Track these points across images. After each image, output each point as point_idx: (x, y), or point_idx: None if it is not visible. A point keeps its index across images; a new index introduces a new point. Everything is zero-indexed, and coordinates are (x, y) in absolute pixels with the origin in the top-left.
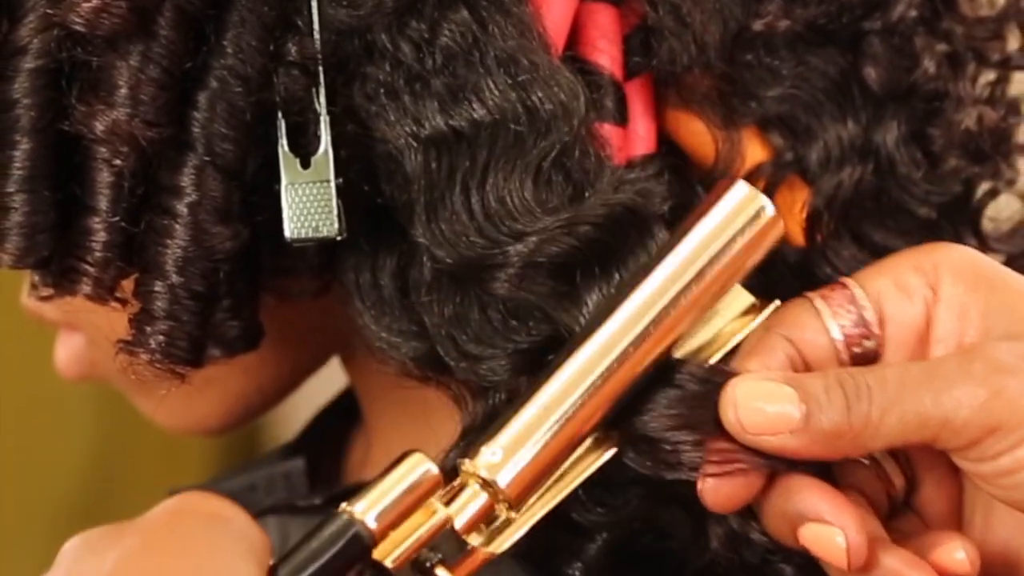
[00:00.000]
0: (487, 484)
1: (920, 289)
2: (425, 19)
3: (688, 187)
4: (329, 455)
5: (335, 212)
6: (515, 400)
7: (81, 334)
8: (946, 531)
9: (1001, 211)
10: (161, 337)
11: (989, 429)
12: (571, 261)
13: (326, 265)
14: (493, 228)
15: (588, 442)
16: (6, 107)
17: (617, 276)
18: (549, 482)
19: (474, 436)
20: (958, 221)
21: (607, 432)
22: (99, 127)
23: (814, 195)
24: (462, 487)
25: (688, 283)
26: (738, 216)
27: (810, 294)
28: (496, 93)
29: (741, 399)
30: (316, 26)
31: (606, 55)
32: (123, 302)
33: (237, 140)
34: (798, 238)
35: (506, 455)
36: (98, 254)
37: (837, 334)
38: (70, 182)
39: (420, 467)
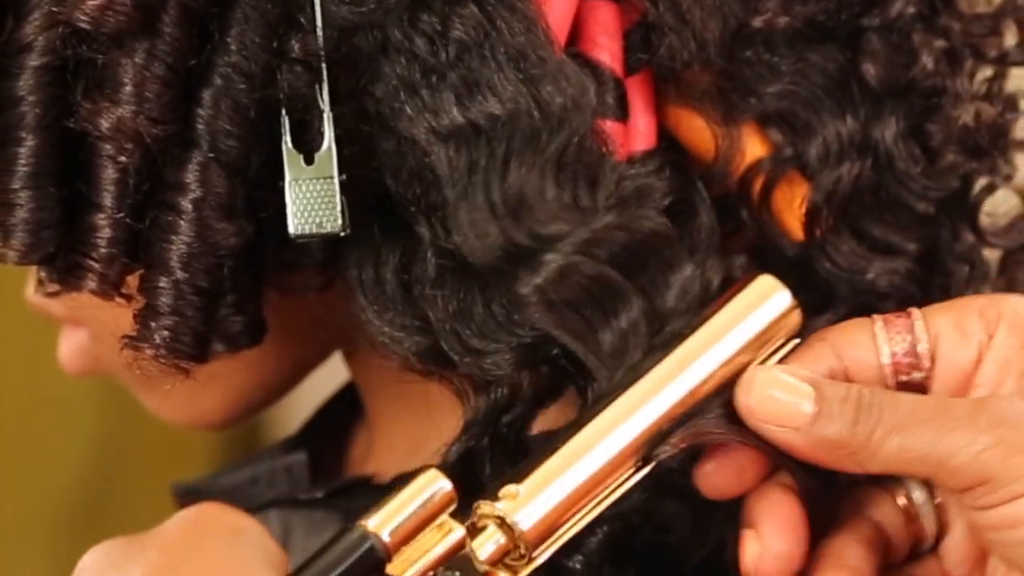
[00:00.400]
0: (506, 526)
1: (977, 334)
2: (436, 13)
3: (688, 183)
4: (331, 449)
5: (338, 208)
6: (540, 449)
7: (85, 329)
8: None
9: (998, 206)
10: (166, 333)
11: (981, 479)
12: (588, 294)
13: (329, 261)
14: (514, 225)
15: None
16: (11, 104)
17: (636, 304)
18: (569, 526)
19: (497, 478)
20: (956, 216)
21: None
22: (104, 124)
23: (813, 190)
24: (482, 528)
25: (711, 359)
26: (761, 303)
27: (874, 316)
28: (509, 88)
29: (758, 384)
30: (319, 23)
31: (607, 51)
32: (128, 298)
33: (241, 137)
34: (797, 233)
35: (527, 498)
36: (103, 250)
37: (887, 359)
38: (75, 179)
39: (434, 483)
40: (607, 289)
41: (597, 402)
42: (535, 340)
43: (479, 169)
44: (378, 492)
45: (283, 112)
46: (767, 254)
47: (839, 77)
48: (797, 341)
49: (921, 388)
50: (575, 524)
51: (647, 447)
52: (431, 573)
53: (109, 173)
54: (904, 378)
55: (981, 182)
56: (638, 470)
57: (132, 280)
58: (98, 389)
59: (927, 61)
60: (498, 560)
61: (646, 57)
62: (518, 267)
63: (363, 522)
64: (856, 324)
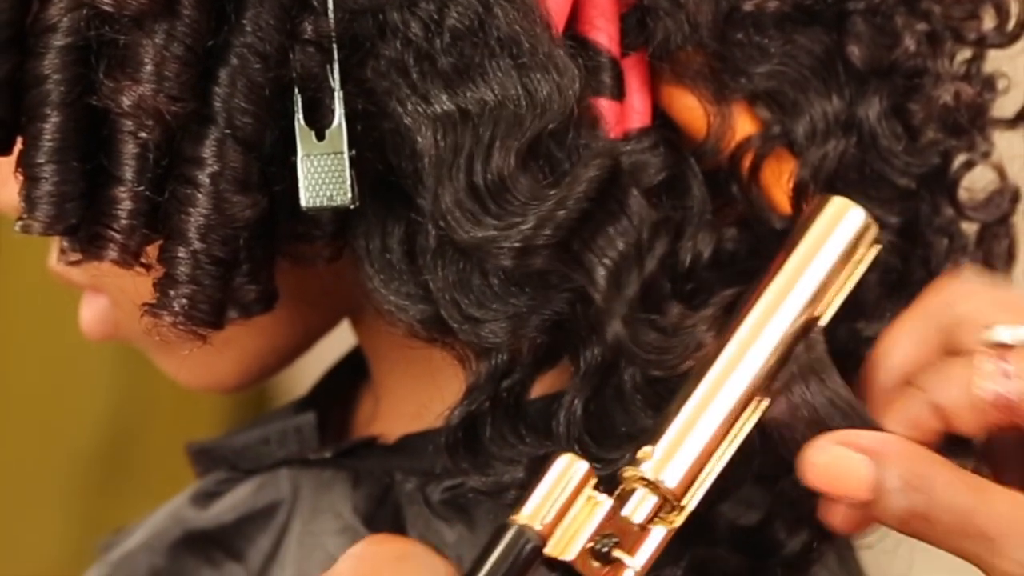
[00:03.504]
0: (652, 485)
1: None
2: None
3: (681, 159)
4: (338, 410)
5: (348, 182)
6: (667, 409)
7: (106, 296)
8: None
9: (976, 182)
10: (184, 300)
11: None
12: (567, 234)
13: (339, 232)
14: (495, 206)
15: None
16: (37, 82)
17: (609, 234)
18: (708, 472)
19: (637, 441)
20: (936, 191)
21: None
22: (126, 101)
23: (801, 166)
24: (631, 491)
25: (804, 290)
26: (837, 223)
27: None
28: (499, 74)
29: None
30: (330, 5)
31: (604, 33)
32: (147, 267)
33: (256, 114)
34: (785, 207)
35: (666, 456)
36: (124, 221)
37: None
38: (98, 153)
39: (573, 466)
40: (580, 224)
41: (710, 350)
42: (531, 310)
43: (463, 152)
44: (383, 452)
45: (296, 90)
46: (756, 227)
47: (825, 58)
48: (880, 247)
49: None
50: (714, 466)
51: (764, 383)
52: (590, 544)
53: (130, 148)
54: None
55: (960, 158)
56: (759, 405)
57: (151, 250)
58: (116, 350)
59: (909, 43)
60: (653, 517)
61: (642, 39)
62: (502, 235)
63: (515, 517)
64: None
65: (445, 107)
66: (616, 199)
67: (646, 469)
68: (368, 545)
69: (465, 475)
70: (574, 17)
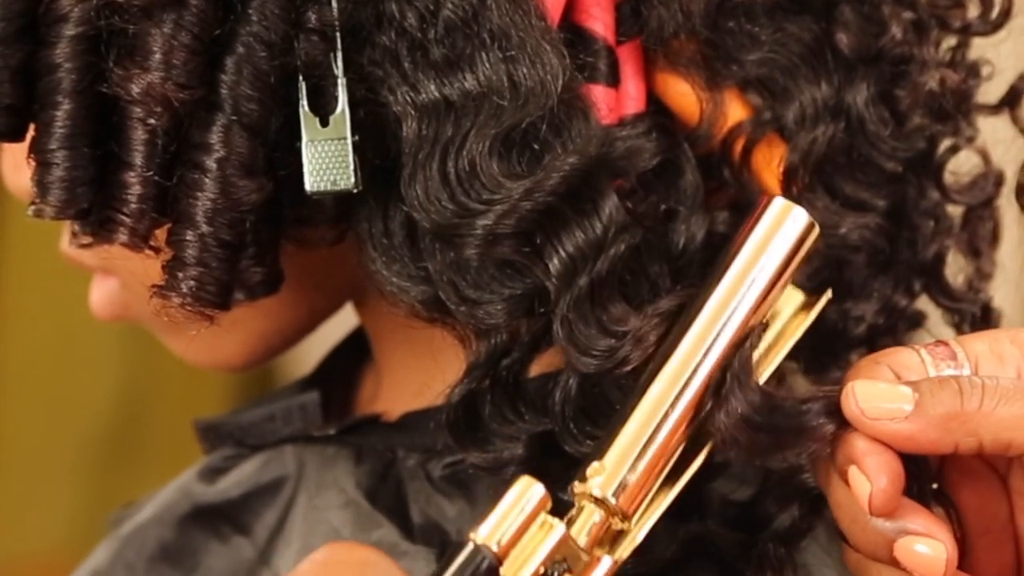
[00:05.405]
0: (600, 502)
1: (1014, 359)
2: None
3: (675, 144)
4: (342, 389)
5: (351, 167)
6: (614, 421)
7: (116, 278)
8: None
9: (961, 166)
10: (192, 282)
11: None
12: (530, 226)
13: (342, 215)
14: (464, 195)
15: (684, 444)
16: (49, 71)
17: (574, 232)
18: (656, 486)
19: (583, 459)
20: (922, 175)
21: (703, 430)
22: (135, 89)
23: (791, 151)
24: (580, 509)
25: (748, 295)
26: (780, 227)
27: (916, 346)
28: (487, 66)
29: (860, 394)
30: None
31: (600, 22)
32: (156, 250)
33: (262, 101)
34: (776, 190)
35: (613, 473)
36: (134, 206)
37: None
38: (108, 140)
39: (530, 489)
40: (547, 218)
41: (655, 359)
42: (526, 291)
43: (442, 141)
44: (385, 429)
45: (300, 78)
46: (747, 210)
47: (815, 46)
48: (830, 294)
49: None
50: (661, 482)
51: (709, 392)
52: (542, 568)
53: (139, 134)
54: None
55: (946, 143)
56: (702, 415)
57: (160, 233)
58: (125, 330)
59: (896, 31)
60: (599, 538)
61: (636, 27)
62: (466, 223)
63: (472, 535)
64: (903, 351)
65: (432, 96)
66: (591, 199)
67: (594, 486)
68: (332, 551)
69: (465, 451)
70: (570, 7)
